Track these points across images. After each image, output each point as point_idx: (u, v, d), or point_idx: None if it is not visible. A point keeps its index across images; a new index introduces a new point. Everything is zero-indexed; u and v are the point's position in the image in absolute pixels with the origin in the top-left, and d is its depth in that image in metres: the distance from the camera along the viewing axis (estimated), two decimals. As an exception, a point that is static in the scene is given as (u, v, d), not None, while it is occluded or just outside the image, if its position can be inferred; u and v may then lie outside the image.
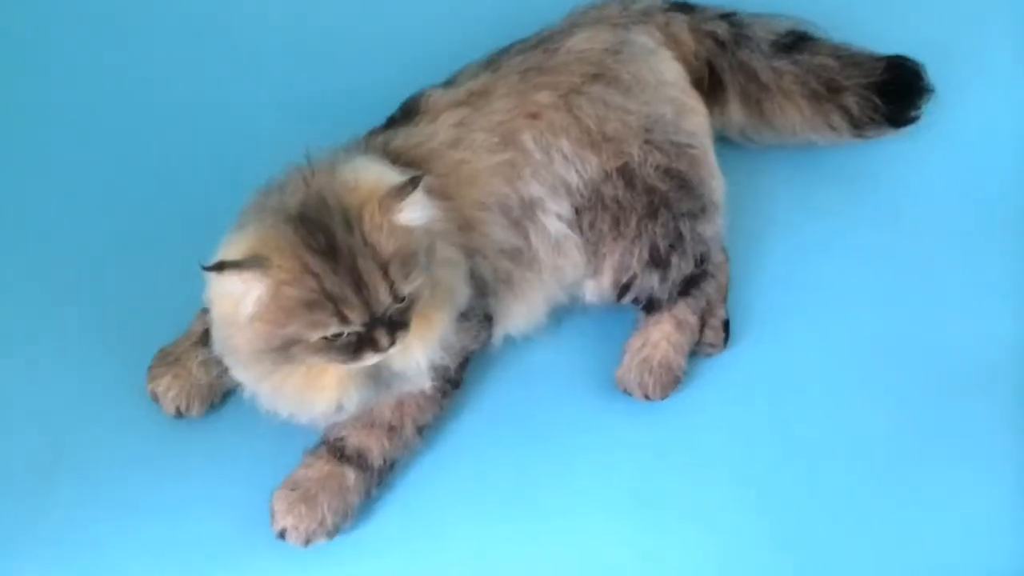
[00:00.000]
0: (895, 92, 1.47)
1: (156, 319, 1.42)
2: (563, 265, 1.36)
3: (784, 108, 1.49)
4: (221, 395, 1.38)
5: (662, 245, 1.37)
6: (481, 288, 1.30)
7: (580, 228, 1.34)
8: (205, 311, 1.33)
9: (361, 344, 1.12)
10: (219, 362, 1.23)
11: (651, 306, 1.41)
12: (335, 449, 1.29)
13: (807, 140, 1.53)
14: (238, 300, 1.08)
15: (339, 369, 1.17)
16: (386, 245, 1.10)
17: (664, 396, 1.41)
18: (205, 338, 1.32)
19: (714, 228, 1.40)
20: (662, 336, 1.41)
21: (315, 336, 1.10)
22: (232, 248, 1.09)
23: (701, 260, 1.40)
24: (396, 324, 1.13)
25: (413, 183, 1.11)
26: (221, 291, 1.10)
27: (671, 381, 1.40)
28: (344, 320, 1.09)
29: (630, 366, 1.41)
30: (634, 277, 1.38)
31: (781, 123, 1.50)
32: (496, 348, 1.42)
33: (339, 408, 1.21)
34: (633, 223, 1.35)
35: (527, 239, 1.33)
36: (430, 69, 1.41)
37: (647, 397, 1.40)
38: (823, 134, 1.50)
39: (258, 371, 1.16)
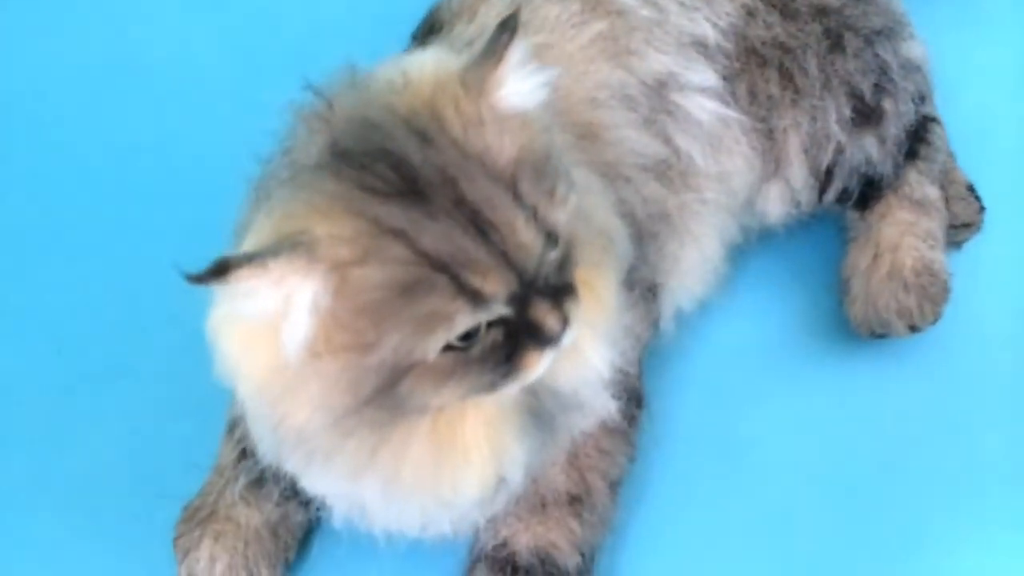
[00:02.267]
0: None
1: (166, 464, 0.89)
2: (729, 169, 0.88)
3: None
4: (298, 540, 0.85)
5: (865, 86, 0.89)
6: (635, 232, 0.81)
7: (736, 102, 0.86)
8: (233, 427, 0.84)
9: (517, 340, 0.62)
10: (277, 479, 0.72)
11: (869, 193, 0.93)
12: (502, 565, 0.78)
13: None
14: (275, 327, 0.58)
15: (482, 413, 0.66)
16: (500, 147, 0.60)
17: (937, 315, 0.91)
18: (244, 461, 0.82)
19: (920, 47, 0.93)
20: (901, 231, 0.92)
21: (434, 346, 0.59)
22: (243, 247, 0.60)
23: (920, 98, 0.92)
24: (558, 290, 0.63)
25: (507, 29, 0.62)
26: (240, 323, 0.59)
27: (940, 290, 0.91)
28: (477, 298, 0.59)
29: (869, 291, 0.92)
30: (839, 150, 0.89)
31: None
32: (666, 334, 0.92)
33: (500, 483, 0.69)
34: (813, 67, 0.87)
35: (670, 140, 0.84)
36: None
37: (913, 327, 0.91)
38: None
39: (350, 458, 0.64)
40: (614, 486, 0.82)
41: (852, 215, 0.96)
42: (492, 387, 0.63)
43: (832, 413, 0.93)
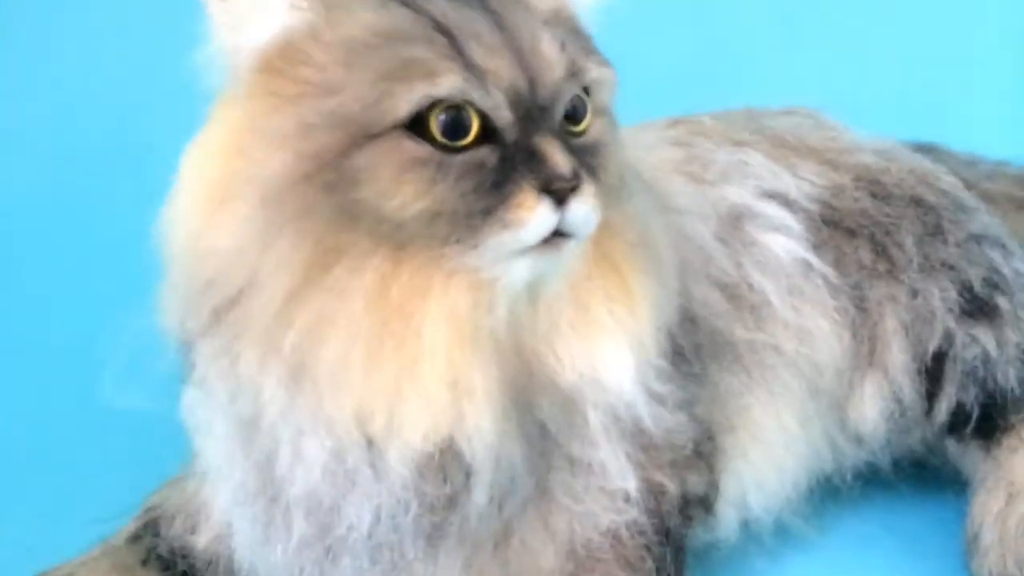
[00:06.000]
0: None
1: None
2: (811, 327, 0.75)
3: None
4: None
5: (972, 275, 0.78)
6: (691, 336, 0.67)
7: (820, 258, 0.76)
8: (145, 512, 0.68)
9: (512, 169, 0.50)
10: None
11: (993, 417, 0.77)
12: None
13: None
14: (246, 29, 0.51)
15: (448, 305, 0.51)
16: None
17: None
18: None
19: None
20: None
21: (408, 100, 0.48)
22: None
23: None
24: (578, 157, 0.52)
25: None
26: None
27: None
28: (472, 69, 0.50)
29: (1005, 537, 0.72)
30: (948, 337, 0.76)
31: None
32: (728, 541, 0.70)
33: (449, 456, 0.51)
34: (909, 244, 0.78)
35: (742, 267, 0.74)
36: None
37: None
38: None
39: (273, 292, 0.50)
40: None
41: (976, 454, 0.77)
42: (468, 221, 0.49)
43: None
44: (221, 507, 0.60)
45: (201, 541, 0.62)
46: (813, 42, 1.42)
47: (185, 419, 0.58)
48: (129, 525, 0.67)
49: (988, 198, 0.95)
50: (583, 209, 0.51)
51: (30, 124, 1.21)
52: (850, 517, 0.81)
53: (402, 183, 0.49)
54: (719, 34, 1.38)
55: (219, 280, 0.51)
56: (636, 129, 0.81)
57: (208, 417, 0.56)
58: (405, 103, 0.49)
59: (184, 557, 0.63)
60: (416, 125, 0.50)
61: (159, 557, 0.64)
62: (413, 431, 0.50)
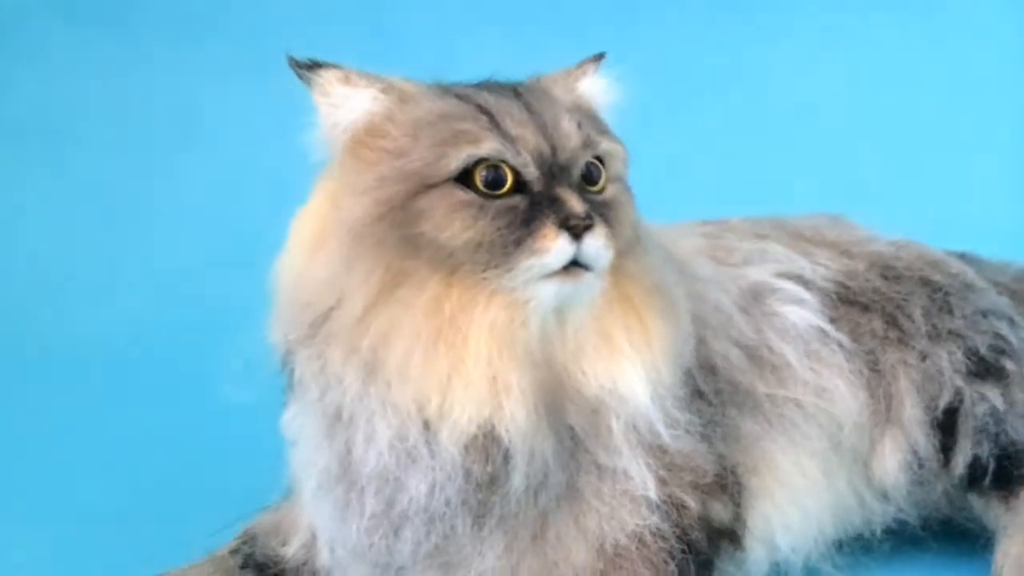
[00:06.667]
0: None
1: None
2: (828, 386, 0.83)
3: None
4: None
5: (979, 342, 0.86)
6: (711, 381, 0.77)
7: (837, 329, 0.86)
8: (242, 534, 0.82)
9: (537, 211, 0.64)
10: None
11: (1009, 469, 0.84)
12: None
13: None
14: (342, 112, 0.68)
15: (491, 314, 0.64)
16: (564, 93, 0.72)
17: None
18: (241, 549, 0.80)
19: None
20: None
21: (456, 159, 0.64)
22: None
23: None
24: (591, 204, 0.66)
25: (598, 58, 0.77)
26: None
27: None
28: (506, 137, 0.65)
29: None
30: (958, 395, 0.83)
31: None
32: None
33: (491, 443, 0.64)
34: (918, 316, 0.87)
35: (762, 332, 0.84)
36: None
37: None
38: None
39: (360, 284, 0.64)
40: None
41: (998, 507, 0.84)
42: (504, 250, 0.63)
43: None
44: (306, 520, 0.73)
45: (290, 551, 0.75)
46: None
47: (284, 431, 0.71)
48: (231, 541, 0.80)
49: (1019, 297, 1.04)
50: (596, 244, 0.64)
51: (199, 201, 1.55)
52: (882, 571, 0.86)
53: (453, 220, 0.63)
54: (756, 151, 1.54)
55: (315, 301, 0.65)
56: (670, 225, 0.94)
57: (302, 421, 0.69)
58: (456, 161, 0.64)
59: (276, 563, 0.76)
60: (464, 178, 0.64)
61: (256, 564, 0.76)
62: (461, 415, 0.62)
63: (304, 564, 0.75)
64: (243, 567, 0.77)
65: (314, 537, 0.73)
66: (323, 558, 0.72)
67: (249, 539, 0.79)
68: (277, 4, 1.57)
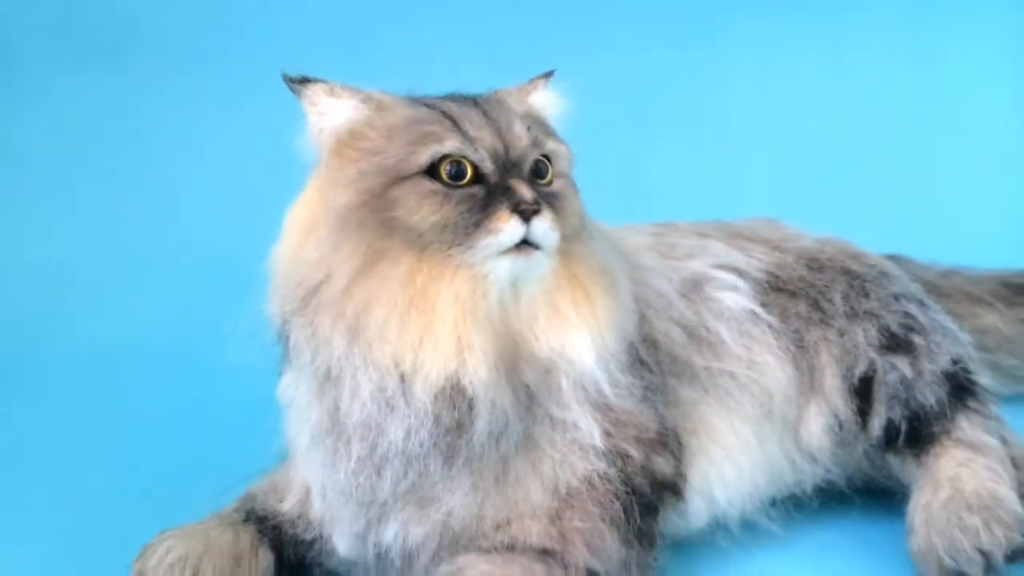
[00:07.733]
0: None
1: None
2: (759, 360, 0.95)
3: None
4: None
5: (891, 320, 0.98)
6: (652, 354, 0.88)
7: (768, 314, 0.97)
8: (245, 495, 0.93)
9: (493, 198, 0.76)
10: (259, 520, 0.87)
11: (919, 430, 0.95)
12: None
13: None
14: (328, 119, 0.80)
15: (457, 283, 0.76)
16: (517, 103, 0.85)
17: (1013, 544, 0.85)
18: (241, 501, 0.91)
19: (953, 330, 1.01)
20: (958, 463, 0.93)
21: (426, 155, 0.76)
22: None
23: (956, 360, 0.98)
24: (540, 192, 0.78)
25: (547, 75, 0.90)
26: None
27: (1010, 517, 0.87)
28: (467, 137, 0.77)
29: (930, 517, 0.88)
30: (871, 365, 0.95)
31: None
32: (698, 528, 0.89)
33: (457, 394, 0.75)
34: (838, 299, 0.99)
35: (700, 315, 0.96)
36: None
37: (983, 552, 0.85)
38: None
39: (344, 261, 0.75)
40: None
41: (911, 464, 0.94)
42: (465, 231, 0.75)
43: None
44: (300, 479, 0.84)
45: (286, 506, 0.86)
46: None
47: (280, 397, 0.82)
48: (234, 501, 0.90)
49: (942, 292, 1.16)
50: (543, 225, 0.76)
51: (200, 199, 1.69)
52: (812, 526, 0.97)
53: (422, 206, 0.75)
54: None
55: (306, 278, 0.77)
56: (620, 226, 1.06)
57: (296, 386, 0.80)
58: (424, 156, 0.76)
59: (274, 516, 0.87)
60: (431, 171, 0.76)
61: (257, 518, 0.87)
62: (431, 369, 0.74)
63: (299, 517, 0.86)
64: (245, 520, 0.87)
65: (307, 493, 0.84)
66: (315, 510, 0.83)
67: (250, 498, 0.90)
68: (268, 33, 1.71)
